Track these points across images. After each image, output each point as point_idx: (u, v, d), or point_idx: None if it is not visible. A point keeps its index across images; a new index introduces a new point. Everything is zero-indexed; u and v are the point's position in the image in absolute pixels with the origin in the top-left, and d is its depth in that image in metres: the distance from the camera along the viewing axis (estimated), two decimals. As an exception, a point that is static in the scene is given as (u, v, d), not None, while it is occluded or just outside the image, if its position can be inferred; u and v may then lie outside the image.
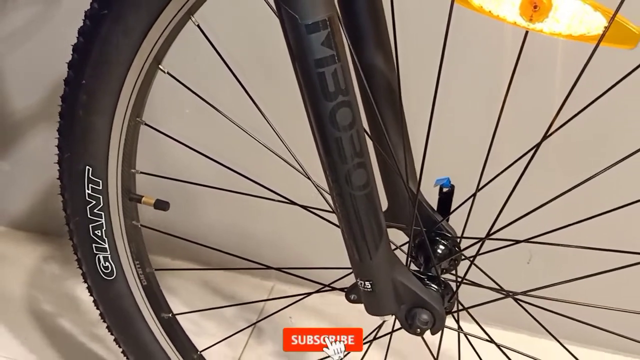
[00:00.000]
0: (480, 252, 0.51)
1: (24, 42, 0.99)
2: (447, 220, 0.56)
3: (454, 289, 0.51)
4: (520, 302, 0.54)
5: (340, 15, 0.45)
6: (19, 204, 1.17)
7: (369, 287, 0.47)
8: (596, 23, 0.40)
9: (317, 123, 0.41)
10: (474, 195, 0.51)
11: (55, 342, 0.93)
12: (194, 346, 0.67)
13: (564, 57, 0.46)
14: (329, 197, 0.47)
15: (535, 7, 0.40)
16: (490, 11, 0.41)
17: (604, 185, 0.57)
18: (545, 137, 0.45)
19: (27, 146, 1.09)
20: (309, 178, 0.56)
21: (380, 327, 0.53)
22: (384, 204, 0.56)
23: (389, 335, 0.56)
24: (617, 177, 0.56)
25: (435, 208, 0.56)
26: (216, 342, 0.68)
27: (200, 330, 0.70)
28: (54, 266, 1.10)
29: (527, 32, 0.41)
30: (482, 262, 0.55)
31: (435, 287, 0.50)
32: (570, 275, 0.51)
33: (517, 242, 0.51)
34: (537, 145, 0.46)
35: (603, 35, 0.39)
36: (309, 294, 0.60)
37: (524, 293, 0.52)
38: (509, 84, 0.45)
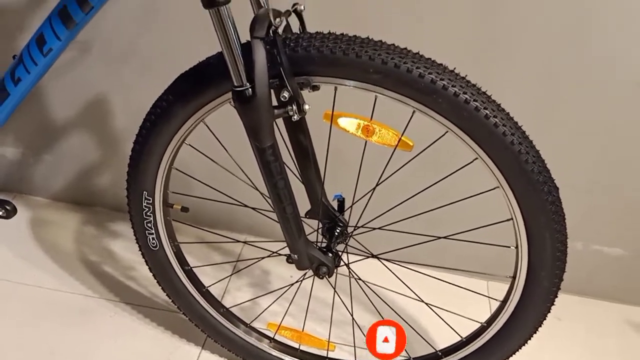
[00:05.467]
0: (354, 234, 1.00)
1: (65, 73, 1.37)
2: (343, 214, 1.04)
3: (340, 254, 1.00)
4: (380, 260, 1.03)
5: (286, 126, 0.91)
6: (59, 183, 1.56)
7: (296, 257, 0.95)
8: (394, 139, 0.86)
9: (269, 185, 0.86)
10: (350, 207, 0.99)
11: (103, 281, 1.38)
12: (202, 283, 1.15)
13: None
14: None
15: (367, 131, 0.86)
16: (348, 130, 0.87)
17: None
18: (378, 182, 0.93)
19: (64, 143, 1.48)
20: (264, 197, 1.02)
21: (304, 276, 1.03)
22: (308, 207, 1.03)
23: (312, 279, 1.04)
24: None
25: (336, 209, 1.04)
26: (216, 281, 1.17)
27: (203, 273, 1.18)
28: (91, 228, 1.54)
29: (366, 141, 0.87)
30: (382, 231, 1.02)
31: (330, 254, 0.98)
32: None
33: (372, 228, 1.00)
34: (374, 189, 0.94)
35: (397, 145, 0.85)
36: (262, 258, 1.09)
37: (379, 255, 1.02)
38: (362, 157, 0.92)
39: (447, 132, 0.81)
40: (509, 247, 0.88)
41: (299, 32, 0.83)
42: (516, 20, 1.07)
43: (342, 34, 0.79)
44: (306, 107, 0.81)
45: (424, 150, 0.89)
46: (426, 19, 1.10)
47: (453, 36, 1.11)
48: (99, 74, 1.35)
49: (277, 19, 0.77)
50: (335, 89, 0.83)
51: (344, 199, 1.02)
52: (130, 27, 1.24)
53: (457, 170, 0.89)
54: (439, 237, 0.98)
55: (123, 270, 1.42)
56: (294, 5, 0.81)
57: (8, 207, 1.00)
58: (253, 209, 1.07)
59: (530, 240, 0.85)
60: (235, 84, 0.78)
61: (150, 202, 1.01)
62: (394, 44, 0.79)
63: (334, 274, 0.99)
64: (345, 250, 1.02)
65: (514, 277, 0.91)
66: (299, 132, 0.93)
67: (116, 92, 1.37)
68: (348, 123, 0.86)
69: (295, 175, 0.98)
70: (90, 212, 1.58)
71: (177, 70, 0.88)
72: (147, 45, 1.27)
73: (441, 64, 0.78)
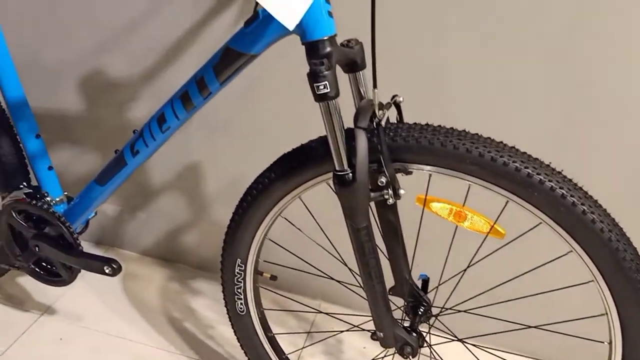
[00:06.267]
0: (440, 314, 1.01)
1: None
2: (426, 293, 1.05)
3: (424, 335, 1.01)
4: (465, 344, 1.03)
5: (377, 205, 0.95)
6: (149, 239, 1.66)
7: (382, 335, 0.96)
8: (486, 226, 0.88)
9: (361, 263, 0.90)
10: (436, 287, 1.00)
11: (185, 338, 1.44)
12: (283, 350, 1.18)
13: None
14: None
15: (459, 217, 0.89)
16: (440, 215, 0.90)
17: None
18: (469, 266, 0.94)
19: (158, 203, 1.59)
20: (353, 275, 1.05)
21: (386, 352, 1.04)
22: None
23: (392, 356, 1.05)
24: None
25: (420, 287, 1.05)
26: (296, 350, 1.19)
27: (279, 337, 1.22)
28: (175, 284, 1.62)
29: (456, 226, 0.89)
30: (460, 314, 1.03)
31: (415, 334, 0.99)
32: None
33: (458, 311, 1.00)
34: (464, 271, 0.95)
35: (489, 232, 0.87)
36: (342, 331, 1.10)
37: (464, 339, 1.01)
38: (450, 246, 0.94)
39: (540, 223, 0.82)
40: (602, 342, 0.86)
41: (397, 122, 0.88)
42: (605, 115, 1.09)
43: (439, 126, 0.84)
44: (401, 191, 0.85)
45: (516, 239, 0.90)
46: (521, 113, 1.13)
47: (547, 132, 1.13)
48: (196, 142, 1.45)
49: (380, 112, 0.83)
50: (430, 175, 0.87)
51: (428, 278, 1.03)
52: (229, 105, 1.34)
53: (549, 262, 0.89)
54: (530, 327, 0.97)
55: (203, 329, 1.47)
56: (394, 97, 0.87)
57: (115, 266, 1.08)
58: (339, 282, 1.10)
59: (625, 337, 0.83)
60: (337, 168, 0.83)
61: (243, 269, 1.06)
62: (490, 137, 0.82)
63: (417, 354, 0.99)
64: (429, 331, 1.03)
65: (606, 373, 0.89)
66: (389, 212, 0.97)
67: (210, 161, 1.47)
68: (440, 208, 0.89)
69: (382, 253, 1.01)
70: (175, 268, 1.66)
71: (267, 145, 0.95)
72: (243, 122, 1.36)
73: (537, 159, 0.81)
